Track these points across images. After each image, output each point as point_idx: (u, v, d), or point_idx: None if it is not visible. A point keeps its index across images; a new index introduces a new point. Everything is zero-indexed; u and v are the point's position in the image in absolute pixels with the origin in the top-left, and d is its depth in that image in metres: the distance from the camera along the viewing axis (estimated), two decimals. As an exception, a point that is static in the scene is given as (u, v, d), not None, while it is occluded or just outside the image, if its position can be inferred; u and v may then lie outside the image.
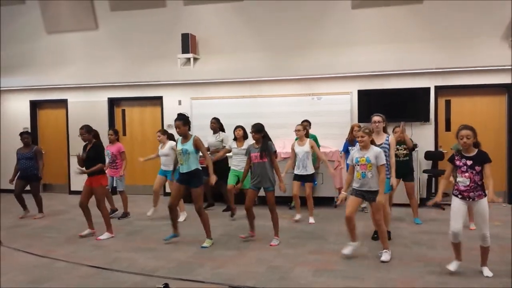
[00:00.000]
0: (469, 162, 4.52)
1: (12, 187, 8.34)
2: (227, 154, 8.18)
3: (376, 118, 5.95)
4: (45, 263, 5.41)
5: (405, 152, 7.03)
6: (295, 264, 5.15)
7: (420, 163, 8.65)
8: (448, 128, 9.09)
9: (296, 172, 7.34)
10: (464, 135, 4.49)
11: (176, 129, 5.94)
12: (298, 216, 7.45)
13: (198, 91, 10.20)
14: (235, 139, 7.72)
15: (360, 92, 9.15)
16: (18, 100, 11.53)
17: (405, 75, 9.00)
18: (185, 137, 5.94)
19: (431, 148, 8.91)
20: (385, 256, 5.16)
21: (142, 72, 10.41)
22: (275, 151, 6.14)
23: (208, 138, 8.36)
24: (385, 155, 5.46)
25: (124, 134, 10.74)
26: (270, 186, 6.00)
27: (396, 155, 6.64)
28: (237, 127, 7.71)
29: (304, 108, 9.30)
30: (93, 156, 6.53)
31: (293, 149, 7.37)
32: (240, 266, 5.12)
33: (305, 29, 9.56)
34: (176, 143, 6.11)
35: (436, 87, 8.92)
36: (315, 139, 8.17)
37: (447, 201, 8.51)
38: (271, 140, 6.16)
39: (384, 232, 5.25)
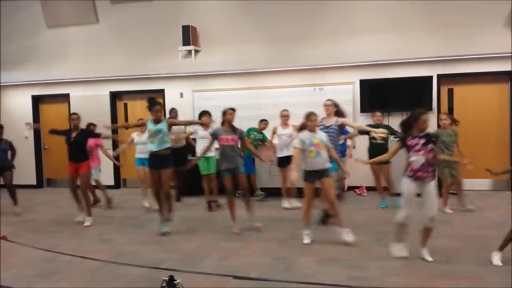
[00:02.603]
0: (422, 141, 4.66)
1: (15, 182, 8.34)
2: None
3: (327, 102, 6.58)
4: (51, 257, 5.44)
5: (382, 135, 7.29)
6: (299, 254, 5.17)
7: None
8: (451, 116, 9.06)
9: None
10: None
11: (157, 113, 6.22)
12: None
13: (199, 83, 10.19)
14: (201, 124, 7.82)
15: (362, 82, 9.12)
16: (20, 95, 11.54)
17: (407, 64, 8.96)
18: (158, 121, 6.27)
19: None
20: (350, 236, 5.43)
21: (143, 65, 10.39)
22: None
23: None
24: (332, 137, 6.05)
25: (127, 128, 10.76)
26: (239, 168, 6.23)
27: (373, 138, 7.42)
28: (204, 112, 7.92)
29: (306, 98, 9.26)
30: (81, 141, 7.06)
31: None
32: (245, 257, 5.15)
33: (307, 19, 9.51)
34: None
35: (439, 76, 8.88)
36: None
37: (450, 190, 8.58)
38: None
39: (337, 210, 5.50)
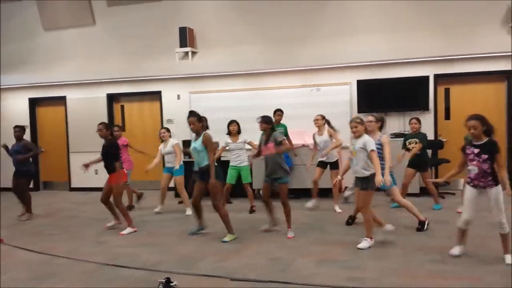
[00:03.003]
0: (476, 151, 4.56)
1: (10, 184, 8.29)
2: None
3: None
4: (47, 260, 5.42)
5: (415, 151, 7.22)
6: (297, 255, 5.15)
7: (420, 152, 8.63)
8: (447, 116, 9.08)
9: (320, 159, 7.50)
10: (470, 125, 4.54)
11: (190, 125, 5.97)
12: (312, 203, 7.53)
13: (196, 85, 10.18)
14: (229, 133, 7.68)
15: (360, 82, 9.12)
16: (16, 98, 11.53)
17: (404, 64, 8.97)
18: (198, 134, 5.99)
19: (431, 136, 8.87)
20: (363, 244, 5.27)
21: (140, 67, 10.38)
22: (281, 140, 6.05)
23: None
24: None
25: (124, 130, 10.73)
26: (282, 178, 6.01)
27: (408, 149, 7.36)
28: (231, 122, 7.68)
29: (304, 99, 9.28)
30: (107, 153, 6.64)
31: (314, 139, 7.60)
32: (242, 259, 5.13)
33: (304, 20, 9.51)
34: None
35: (435, 76, 8.90)
36: (285, 128, 8.28)
37: (448, 190, 8.60)
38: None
39: (367, 220, 5.30)
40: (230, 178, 7.69)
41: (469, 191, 4.68)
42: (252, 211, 7.73)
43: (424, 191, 7.95)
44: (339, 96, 9.26)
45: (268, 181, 6.09)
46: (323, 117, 7.52)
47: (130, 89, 10.68)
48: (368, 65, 9.16)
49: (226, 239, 5.88)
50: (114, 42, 10.73)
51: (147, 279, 4.56)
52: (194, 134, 6.09)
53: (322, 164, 7.51)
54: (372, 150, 5.17)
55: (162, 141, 8.03)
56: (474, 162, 4.57)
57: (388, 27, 9.10)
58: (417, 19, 8.96)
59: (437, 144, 8.69)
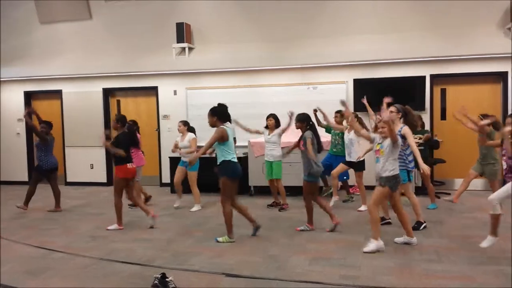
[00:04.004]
0: None
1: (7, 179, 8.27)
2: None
3: (391, 108, 5.90)
4: (42, 254, 5.42)
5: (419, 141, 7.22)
6: (292, 253, 5.17)
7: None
8: (443, 116, 9.12)
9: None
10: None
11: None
12: (334, 199, 7.58)
13: (193, 81, 10.16)
14: (266, 127, 7.72)
15: (356, 81, 9.14)
16: (12, 91, 11.46)
17: (400, 63, 9.00)
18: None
19: (427, 136, 8.93)
20: (369, 247, 5.11)
21: (137, 62, 10.35)
22: (308, 138, 6.07)
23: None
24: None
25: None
26: (305, 175, 6.07)
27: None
28: (269, 115, 7.72)
29: (300, 97, 9.27)
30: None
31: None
32: (237, 255, 5.14)
33: (301, 18, 9.51)
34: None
35: (432, 76, 8.93)
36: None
37: (444, 190, 8.63)
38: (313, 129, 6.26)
39: (374, 220, 5.14)
40: (267, 173, 7.68)
41: (509, 185, 4.80)
42: (281, 208, 7.53)
43: (419, 191, 7.97)
44: (335, 95, 9.22)
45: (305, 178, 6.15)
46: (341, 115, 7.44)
47: (127, 84, 10.65)
48: (365, 64, 9.17)
49: (220, 239, 5.69)
50: (111, 36, 10.68)
51: (142, 274, 4.58)
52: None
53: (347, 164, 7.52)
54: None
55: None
56: (504, 158, 5.14)
57: (385, 27, 9.11)
58: (414, 19, 8.99)
59: (433, 144, 8.72)
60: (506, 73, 8.60)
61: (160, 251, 5.39)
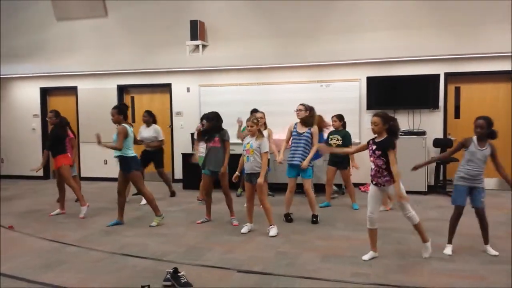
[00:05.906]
0: (373, 147, 4.66)
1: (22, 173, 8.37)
2: None
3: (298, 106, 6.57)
4: (57, 248, 5.50)
5: (337, 142, 7.37)
6: (303, 250, 5.20)
7: (429, 151, 8.61)
8: (457, 115, 9.05)
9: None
10: (371, 122, 4.66)
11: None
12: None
13: (206, 78, 10.22)
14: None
15: (369, 79, 9.11)
16: (28, 87, 11.63)
17: (414, 61, 8.94)
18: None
19: (440, 135, 8.88)
20: (273, 231, 5.76)
21: (151, 59, 10.43)
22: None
23: (142, 131, 8.46)
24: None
25: (134, 121, 10.79)
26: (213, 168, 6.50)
27: (330, 144, 7.38)
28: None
29: (313, 95, 9.23)
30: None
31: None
32: (248, 251, 5.18)
33: (314, 15, 9.51)
34: None
35: (446, 74, 8.86)
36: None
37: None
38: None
39: (269, 210, 5.80)
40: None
41: (371, 188, 4.83)
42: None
43: (430, 190, 7.92)
44: (348, 93, 9.26)
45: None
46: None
47: (141, 81, 10.75)
48: (378, 62, 9.14)
49: (153, 223, 6.47)
50: (126, 34, 10.78)
51: (155, 268, 4.63)
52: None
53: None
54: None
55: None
56: (371, 159, 4.70)
57: (399, 24, 9.06)
58: (428, 17, 8.92)
59: (446, 143, 8.68)
60: (521, 71, 8.50)
61: (173, 246, 5.44)
